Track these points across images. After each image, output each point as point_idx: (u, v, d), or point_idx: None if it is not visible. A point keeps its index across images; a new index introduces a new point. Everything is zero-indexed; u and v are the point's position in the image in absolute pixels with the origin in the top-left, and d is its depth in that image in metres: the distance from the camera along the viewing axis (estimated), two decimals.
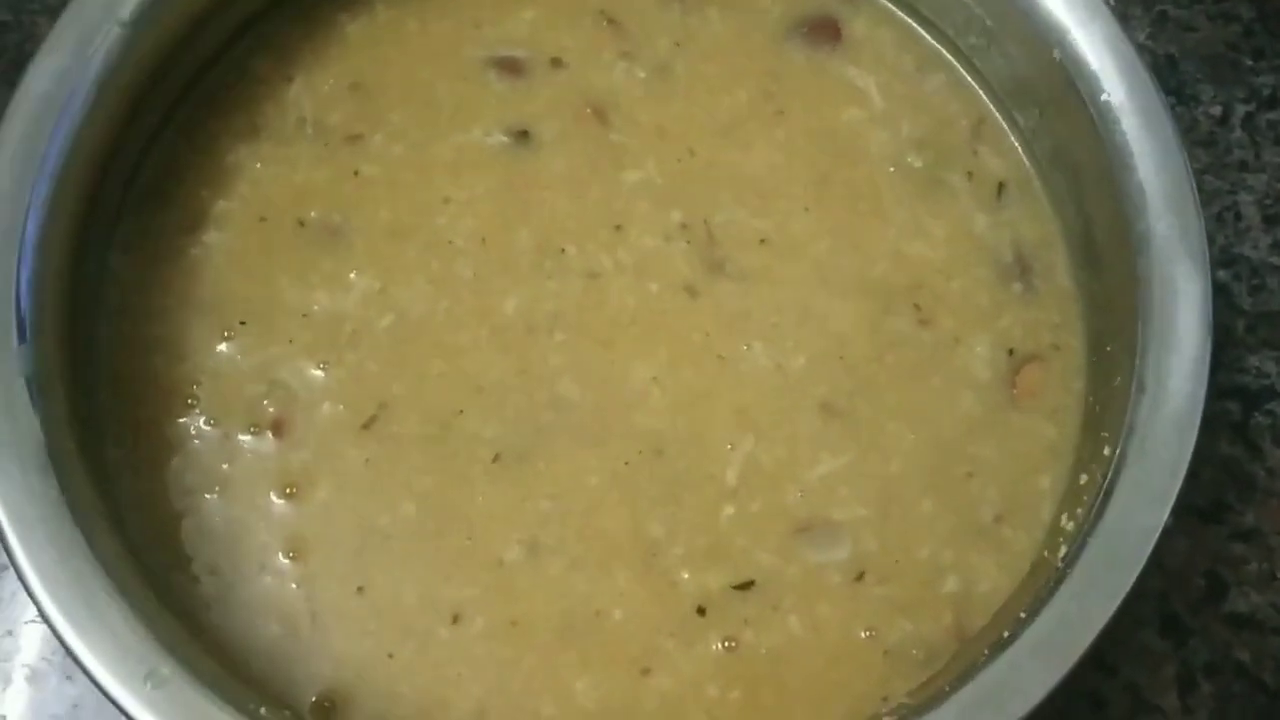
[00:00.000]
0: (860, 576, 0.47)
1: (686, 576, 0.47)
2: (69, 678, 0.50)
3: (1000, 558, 0.47)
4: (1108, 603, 0.40)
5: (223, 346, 0.49)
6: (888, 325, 0.51)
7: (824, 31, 0.56)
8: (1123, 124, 0.47)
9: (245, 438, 0.48)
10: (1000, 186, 0.53)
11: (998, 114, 0.54)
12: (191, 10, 0.51)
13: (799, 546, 0.47)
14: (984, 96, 0.54)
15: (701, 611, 0.46)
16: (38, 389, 0.42)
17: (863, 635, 0.46)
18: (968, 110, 0.54)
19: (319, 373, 0.49)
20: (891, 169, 0.53)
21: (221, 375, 0.48)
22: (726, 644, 0.46)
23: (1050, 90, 0.50)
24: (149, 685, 0.38)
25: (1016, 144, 0.53)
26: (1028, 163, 0.53)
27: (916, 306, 0.51)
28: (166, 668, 0.38)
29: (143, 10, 0.48)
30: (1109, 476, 0.42)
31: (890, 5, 0.56)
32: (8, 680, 0.50)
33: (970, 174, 0.53)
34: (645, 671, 0.45)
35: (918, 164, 0.53)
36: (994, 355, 0.50)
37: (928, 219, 0.52)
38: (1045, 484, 0.48)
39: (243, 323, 0.49)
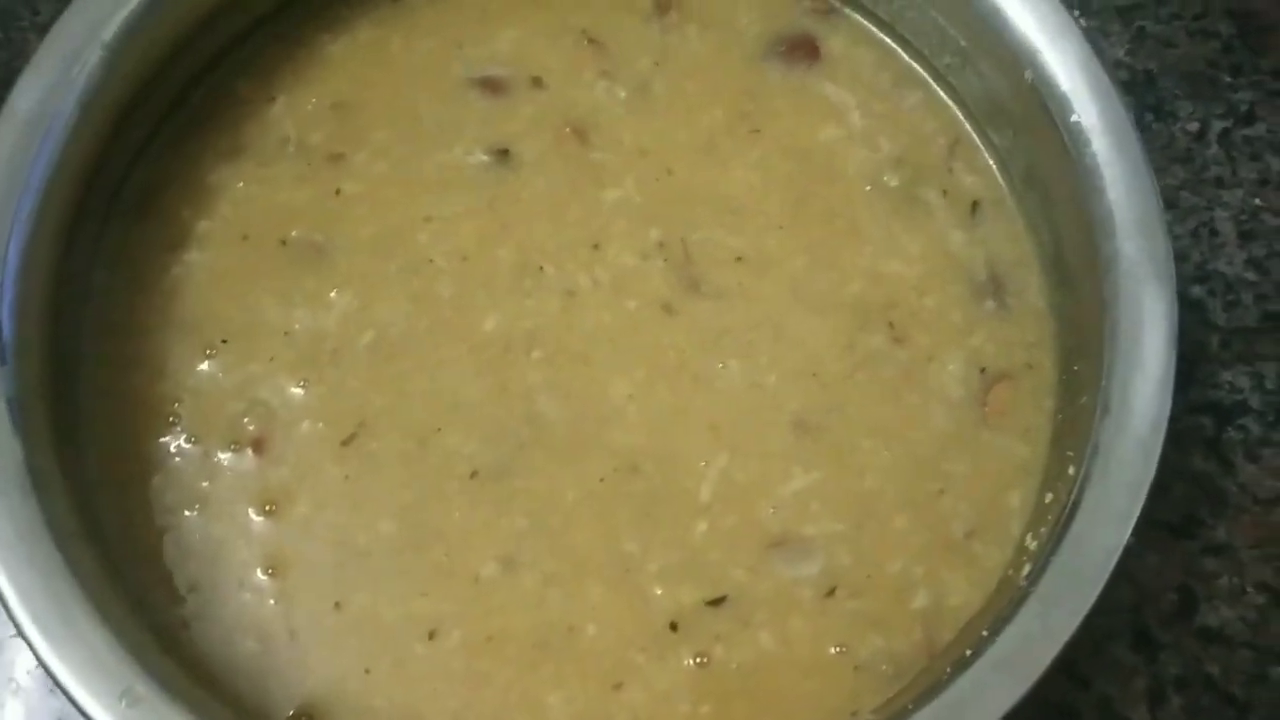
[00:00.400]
0: (831, 592, 0.47)
1: (660, 592, 0.47)
2: (53, 691, 0.51)
3: (970, 573, 0.48)
4: (1069, 620, 0.41)
5: (204, 365, 0.50)
6: (862, 342, 0.51)
7: (802, 50, 0.56)
8: (1093, 145, 0.47)
9: (225, 455, 0.48)
10: (975, 205, 0.53)
11: (973, 133, 0.54)
12: (174, 31, 0.52)
13: (771, 562, 0.48)
14: (960, 116, 0.55)
15: (674, 627, 0.47)
16: (19, 408, 0.43)
17: (833, 651, 0.47)
18: (944, 129, 0.55)
19: (299, 390, 0.49)
20: (868, 187, 0.54)
21: (203, 393, 0.49)
22: (698, 659, 0.46)
23: (1023, 111, 0.50)
24: (124, 704, 0.39)
25: (991, 163, 0.54)
26: (1002, 182, 0.54)
27: (890, 324, 0.51)
28: (142, 686, 0.39)
29: (125, 32, 0.49)
30: (1073, 496, 0.43)
31: (867, 24, 0.56)
32: None
33: (946, 192, 0.54)
34: (617, 686, 0.46)
35: (894, 182, 0.54)
36: (967, 373, 0.51)
37: (903, 237, 0.53)
38: (1015, 501, 0.49)
39: (224, 341, 0.50)
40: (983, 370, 0.51)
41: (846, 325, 0.51)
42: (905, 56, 0.56)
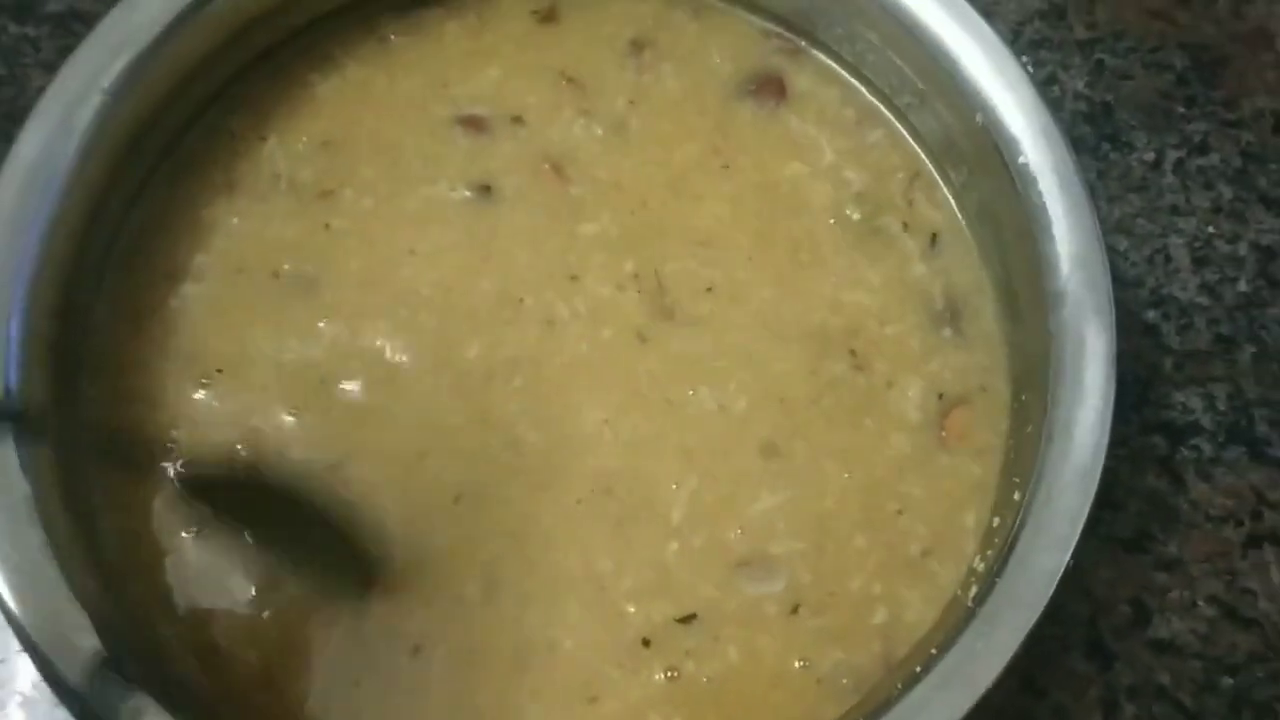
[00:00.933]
0: (795, 609, 0.50)
1: (633, 610, 0.50)
2: (58, 705, 0.53)
3: (926, 590, 0.50)
4: (1012, 639, 0.43)
5: (200, 394, 0.52)
6: (825, 369, 0.54)
7: (770, 88, 0.59)
8: (1040, 185, 0.50)
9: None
10: (934, 236, 0.56)
11: (932, 169, 0.57)
12: (172, 76, 0.54)
13: (738, 580, 0.50)
14: (919, 152, 0.57)
15: (646, 643, 0.49)
16: (26, 445, 0.45)
17: (797, 665, 0.49)
18: (905, 164, 0.57)
19: (290, 418, 0.52)
20: (831, 221, 0.56)
21: (199, 422, 0.52)
22: (669, 674, 0.49)
23: (976, 150, 0.53)
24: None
25: (949, 197, 0.57)
26: (959, 215, 0.56)
27: (852, 352, 0.54)
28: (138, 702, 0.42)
29: (125, 79, 0.51)
30: (1017, 521, 0.45)
31: (832, 64, 0.59)
32: (2, 707, 0.54)
33: (906, 225, 0.56)
34: (593, 700, 0.49)
35: (856, 215, 0.56)
36: (925, 399, 0.53)
37: (865, 268, 0.55)
38: (970, 521, 0.51)
39: (219, 370, 0.53)
40: (940, 396, 0.53)
41: (810, 353, 0.54)
42: (868, 95, 0.58)
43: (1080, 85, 0.66)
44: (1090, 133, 0.65)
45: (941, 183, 0.57)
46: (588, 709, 0.49)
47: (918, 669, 0.44)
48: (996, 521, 0.48)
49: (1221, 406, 0.61)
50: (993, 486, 0.51)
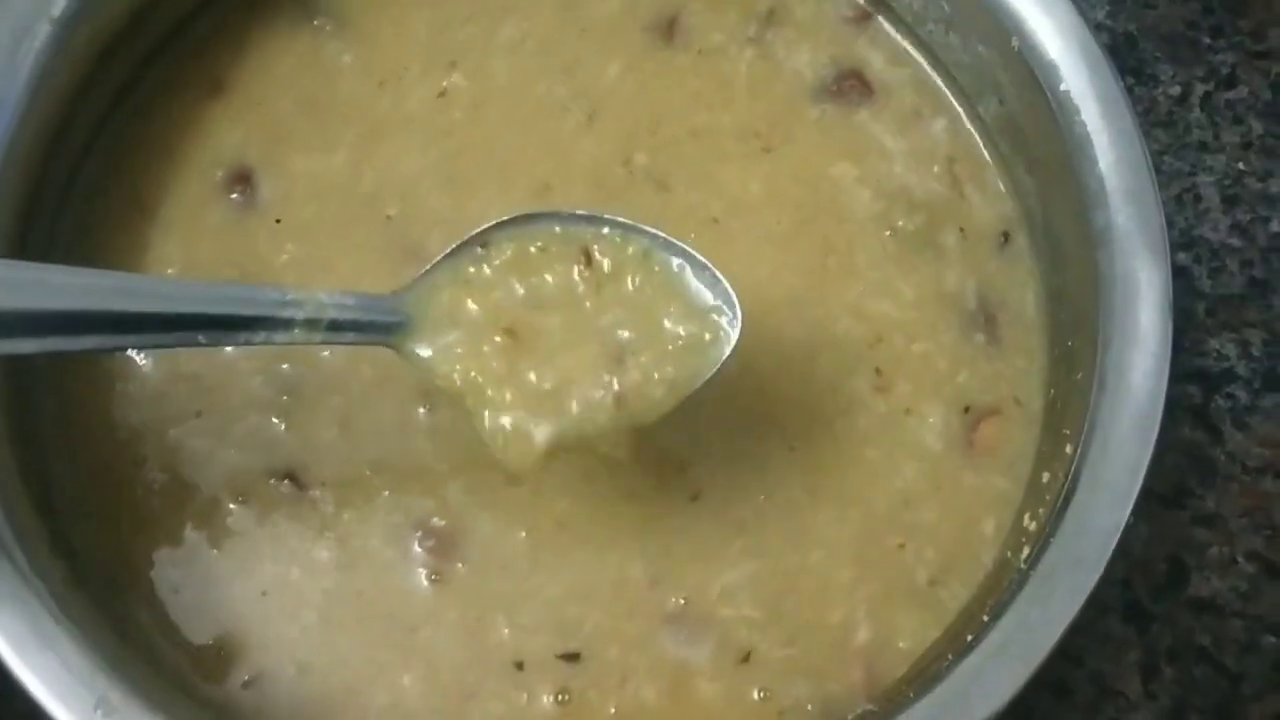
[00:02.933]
0: (746, 658, 0.45)
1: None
2: None
3: (927, 616, 0.46)
4: (1070, 603, 0.40)
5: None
6: (846, 387, 0.49)
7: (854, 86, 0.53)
8: (1081, 114, 0.46)
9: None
10: (1005, 236, 0.51)
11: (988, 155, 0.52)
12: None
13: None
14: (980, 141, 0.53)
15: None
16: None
17: (756, 696, 0.45)
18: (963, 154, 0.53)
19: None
20: (881, 230, 0.51)
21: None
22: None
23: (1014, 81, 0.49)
24: (99, 713, 0.37)
25: (1004, 187, 0.52)
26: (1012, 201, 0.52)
27: (878, 370, 0.49)
28: (116, 695, 0.38)
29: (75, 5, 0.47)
30: (1070, 474, 0.42)
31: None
32: None
33: (963, 230, 0.51)
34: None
35: (902, 223, 0.51)
36: (947, 422, 0.48)
37: (899, 278, 0.50)
38: (989, 529, 0.47)
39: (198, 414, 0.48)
40: (967, 409, 0.48)
41: (832, 368, 0.49)
42: (932, 73, 0.53)
43: (1101, 15, 0.62)
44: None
45: (999, 173, 0.52)
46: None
47: (969, 637, 0.40)
48: (1046, 477, 0.45)
49: (1256, 352, 0.57)
50: (1019, 492, 0.47)
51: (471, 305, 0.43)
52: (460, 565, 0.46)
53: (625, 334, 0.43)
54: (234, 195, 0.50)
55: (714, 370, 0.42)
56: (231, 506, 0.46)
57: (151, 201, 0.50)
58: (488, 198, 0.50)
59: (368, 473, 0.47)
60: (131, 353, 0.48)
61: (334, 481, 0.47)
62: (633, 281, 0.43)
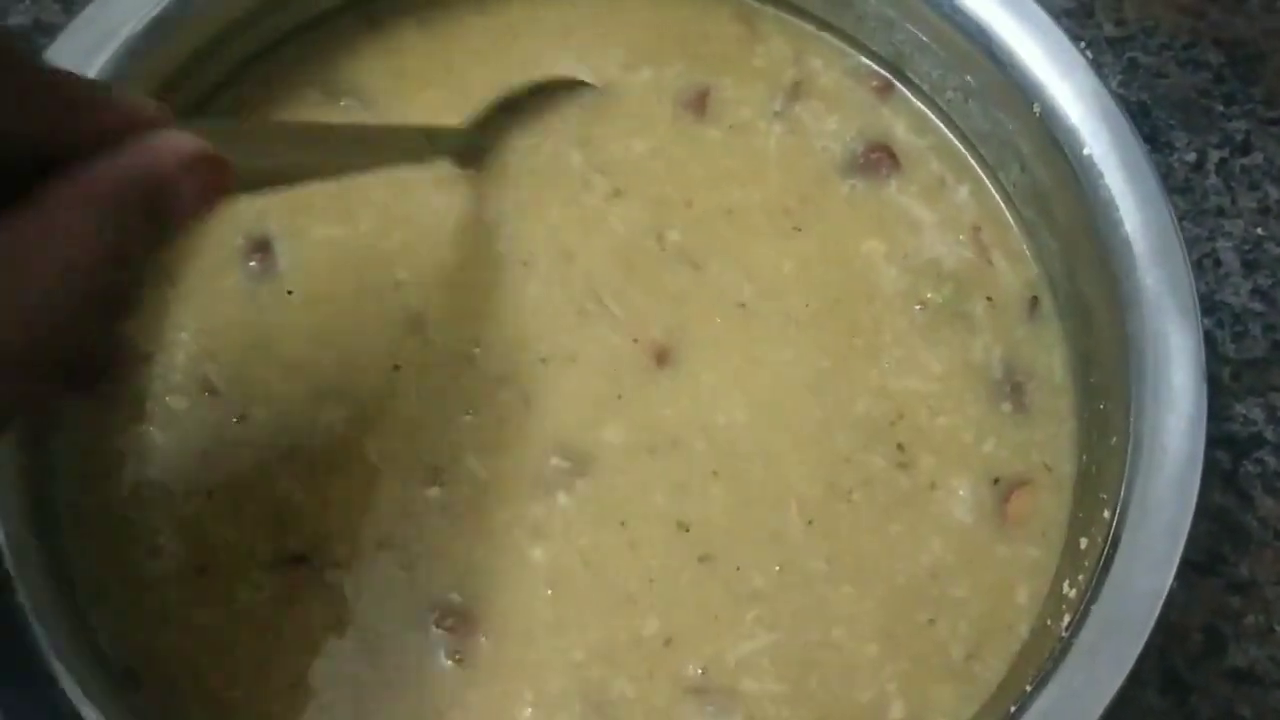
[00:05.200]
0: None
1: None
2: None
3: (964, 690, 0.45)
4: (1116, 672, 0.39)
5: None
6: (863, 462, 0.48)
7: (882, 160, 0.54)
8: (1105, 179, 0.46)
9: None
10: (1034, 301, 0.51)
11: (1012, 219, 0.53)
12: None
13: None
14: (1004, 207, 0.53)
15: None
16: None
17: None
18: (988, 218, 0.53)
19: None
20: (910, 304, 0.51)
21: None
22: None
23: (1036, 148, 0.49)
24: None
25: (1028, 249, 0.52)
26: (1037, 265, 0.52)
27: (900, 446, 0.49)
28: None
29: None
30: (1109, 540, 0.41)
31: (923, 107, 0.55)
32: None
33: (990, 299, 0.51)
34: None
35: (931, 294, 0.51)
36: (976, 494, 0.48)
37: (924, 350, 0.50)
38: (1023, 598, 0.46)
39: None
40: (996, 480, 0.48)
41: (851, 443, 0.49)
42: (953, 139, 0.54)
43: (1114, 84, 0.63)
44: None
45: (1024, 239, 0.52)
46: None
47: (1012, 708, 0.39)
48: (1084, 543, 0.44)
49: None
50: (1053, 561, 0.46)
51: None
52: (483, 639, 0.45)
53: None
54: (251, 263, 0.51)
55: None
56: (247, 594, 0.45)
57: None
58: None
59: (381, 552, 0.46)
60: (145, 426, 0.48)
61: (348, 563, 0.46)
62: None
